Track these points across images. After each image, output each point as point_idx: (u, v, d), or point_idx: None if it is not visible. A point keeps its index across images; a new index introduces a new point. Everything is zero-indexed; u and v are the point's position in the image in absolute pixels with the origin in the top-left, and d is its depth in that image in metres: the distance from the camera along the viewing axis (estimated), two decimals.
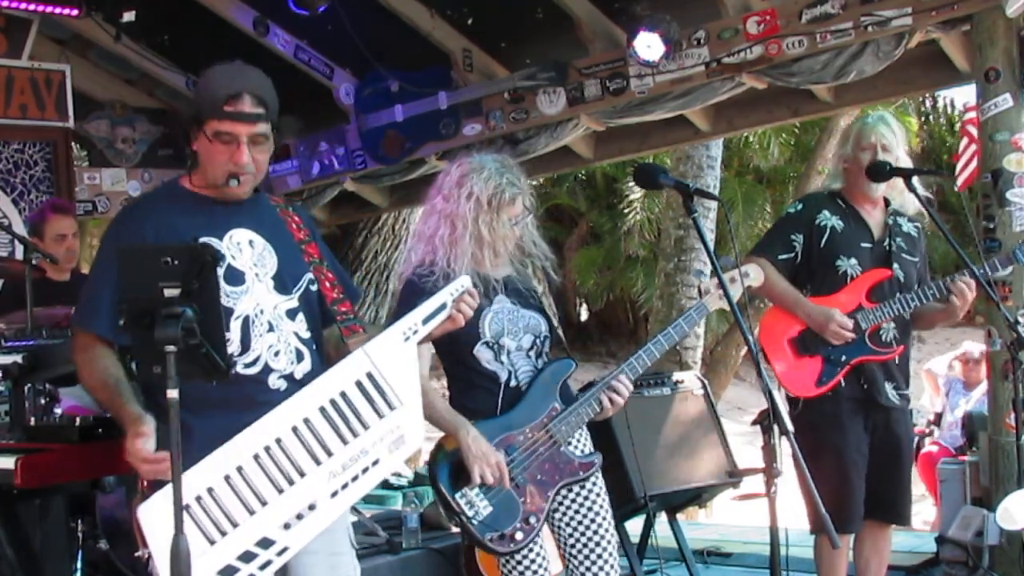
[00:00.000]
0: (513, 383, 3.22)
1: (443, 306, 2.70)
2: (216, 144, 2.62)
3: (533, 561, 3.17)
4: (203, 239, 2.60)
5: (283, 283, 2.73)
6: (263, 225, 2.75)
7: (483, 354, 3.20)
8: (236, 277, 2.65)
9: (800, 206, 4.03)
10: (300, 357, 2.72)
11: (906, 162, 4.00)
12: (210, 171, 2.67)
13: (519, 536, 3.08)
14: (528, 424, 3.17)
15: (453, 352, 3.23)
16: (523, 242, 3.34)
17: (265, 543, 2.46)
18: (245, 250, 2.69)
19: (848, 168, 4.02)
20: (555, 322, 3.36)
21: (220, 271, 2.58)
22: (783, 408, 2.69)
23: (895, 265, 3.98)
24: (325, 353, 2.81)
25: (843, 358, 3.87)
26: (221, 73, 2.65)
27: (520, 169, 3.36)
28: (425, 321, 2.68)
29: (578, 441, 3.28)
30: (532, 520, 3.11)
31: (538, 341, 3.28)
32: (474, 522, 3.06)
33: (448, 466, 3.10)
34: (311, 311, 2.77)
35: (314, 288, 2.78)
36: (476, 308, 3.10)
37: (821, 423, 3.84)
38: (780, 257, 3.96)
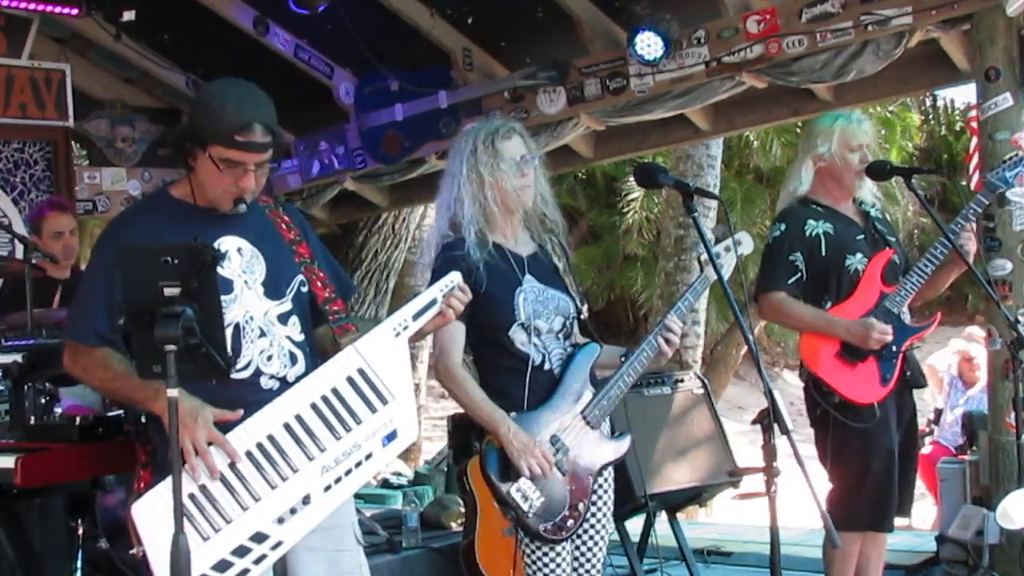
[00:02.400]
0: (547, 366, 3.21)
1: (433, 301, 2.70)
2: (221, 168, 2.60)
3: (552, 550, 3.18)
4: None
5: (273, 288, 2.73)
6: (251, 230, 2.75)
7: (518, 336, 3.20)
8: (224, 285, 2.63)
9: (783, 226, 3.93)
10: (294, 360, 2.72)
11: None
12: (210, 192, 2.67)
13: (570, 524, 3.13)
14: (567, 413, 3.18)
15: (488, 333, 3.22)
16: (536, 203, 3.30)
17: (259, 537, 2.47)
18: (233, 258, 2.70)
19: (828, 167, 3.94)
20: (580, 302, 3.33)
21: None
22: (784, 410, 2.68)
23: (888, 243, 3.98)
24: (319, 352, 2.81)
25: (893, 349, 3.82)
26: (231, 98, 2.60)
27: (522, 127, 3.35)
28: (415, 317, 2.67)
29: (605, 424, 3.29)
30: (580, 507, 3.15)
31: (567, 323, 3.28)
32: (530, 515, 3.08)
33: (498, 460, 3.10)
34: (304, 313, 2.78)
35: (305, 289, 2.78)
36: (508, 287, 3.16)
37: (870, 426, 3.79)
38: (790, 282, 3.87)
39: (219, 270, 2.62)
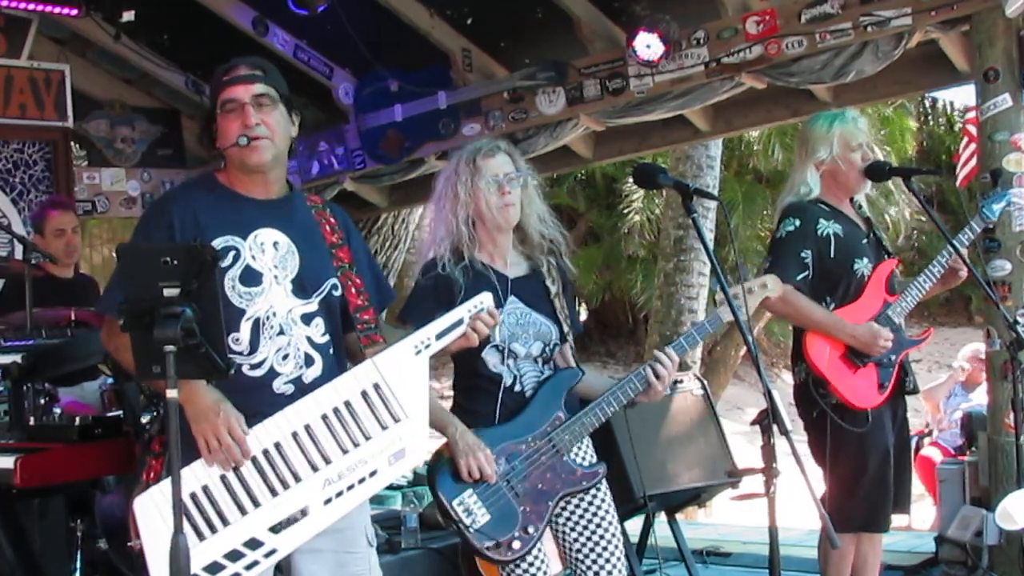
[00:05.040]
0: (518, 388, 3.16)
1: (459, 322, 2.68)
2: (226, 117, 2.68)
3: (532, 564, 3.13)
4: (225, 238, 2.63)
5: (303, 287, 2.71)
6: (292, 227, 2.74)
7: (490, 358, 3.16)
8: (253, 278, 2.65)
9: (798, 221, 3.89)
10: (309, 362, 2.69)
11: None
12: (227, 143, 2.69)
13: (516, 545, 3.04)
14: (530, 433, 3.12)
15: (461, 352, 3.15)
16: (530, 223, 3.25)
17: (253, 544, 2.47)
18: (268, 251, 2.69)
19: (832, 170, 3.92)
20: (567, 327, 3.25)
21: (237, 270, 2.62)
22: (783, 411, 2.68)
23: (889, 252, 4.00)
24: (346, 358, 2.80)
25: (892, 357, 3.83)
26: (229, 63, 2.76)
27: (514, 147, 3.32)
28: (439, 336, 2.67)
29: (581, 451, 3.23)
30: (531, 529, 3.06)
31: (547, 348, 3.22)
32: (471, 530, 3.02)
33: (447, 472, 3.06)
34: (332, 316, 2.76)
35: (337, 293, 2.76)
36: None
37: (872, 420, 3.80)
38: (798, 279, 3.83)
39: (250, 262, 2.65)
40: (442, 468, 3.08)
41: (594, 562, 3.20)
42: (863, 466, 3.80)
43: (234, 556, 2.45)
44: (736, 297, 3.08)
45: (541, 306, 3.24)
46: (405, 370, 2.61)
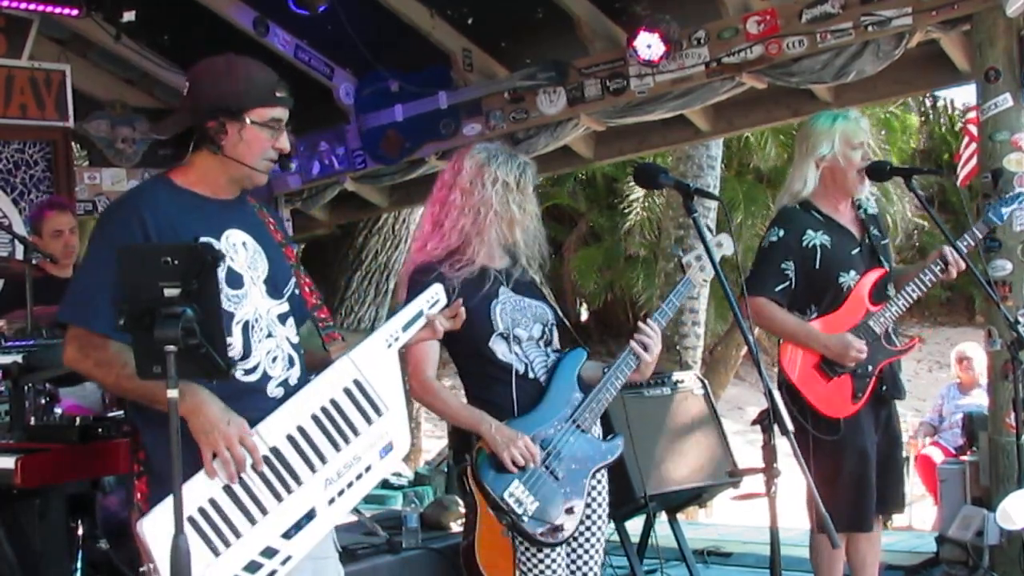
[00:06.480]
0: (531, 375, 3.25)
1: (419, 314, 2.71)
2: (263, 131, 2.59)
3: (540, 560, 3.18)
4: (204, 240, 2.52)
5: (275, 287, 2.66)
6: (252, 226, 2.68)
7: (498, 346, 3.23)
8: (236, 280, 2.58)
9: (782, 232, 3.90)
10: (291, 363, 2.66)
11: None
12: (250, 159, 2.60)
13: (567, 525, 3.15)
14: (556, 416, 3.22)
15: (468, 346, 3.24)
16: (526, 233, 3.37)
17: (269, 552, 2.44)
18: (240, 252, 2.62)
19: (831, 168, 3.91)
20: (557, 309, 3.37)
21: (221, 272, 2.51)
22: (784, 411, 2.67)
23: (882, 259, 3.98)
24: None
25: (869, 368, 3.83)
26: (246, 65, 2.63)
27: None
28: (405, 328, 2.69)
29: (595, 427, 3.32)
30: (575, 508, 3.17)
31: (546, 330, 3.32)
32: (524, 518, 3.09)
33: (490, 467, 3.12)
34: (298, 315, 2.72)
35: (298, 292, 2.73)
36: (485, 300, 3.21)
37: (844, 427, 3.81)
38: (777, 290, 3.86)
39: (230, 263, 2.57)
40: (484, 464, 3.14)
41: (581, 534, 3.29)
42: (838, 468, 3.81)
43: (253, 567, 2.42)
44: (699, 259, 3.35)
45: (532, 291, 3.35)
46: (380, 364, 2.62)
